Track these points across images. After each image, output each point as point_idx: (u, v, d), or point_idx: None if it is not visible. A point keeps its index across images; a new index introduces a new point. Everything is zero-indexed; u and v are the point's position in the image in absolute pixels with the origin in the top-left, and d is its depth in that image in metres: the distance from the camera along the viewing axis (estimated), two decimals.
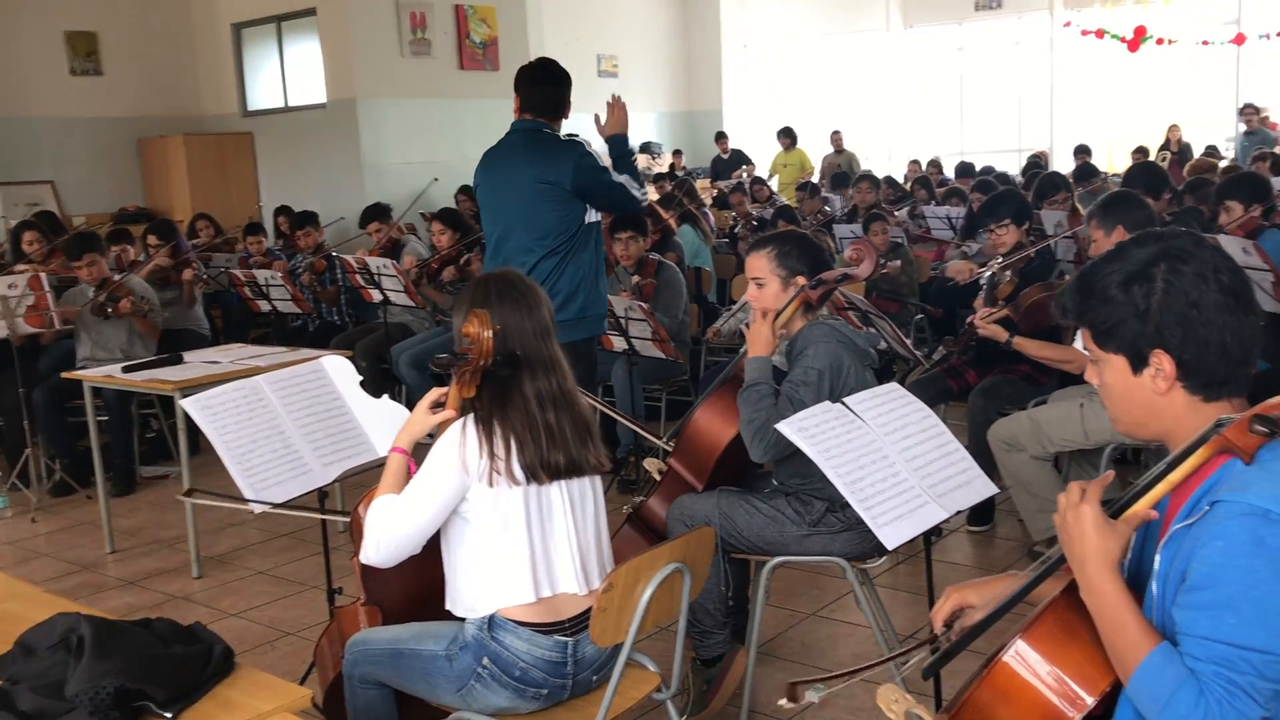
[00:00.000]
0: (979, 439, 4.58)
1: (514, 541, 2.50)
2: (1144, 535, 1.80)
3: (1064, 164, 13.76)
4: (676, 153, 17.13)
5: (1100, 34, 15.85)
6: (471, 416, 2.51)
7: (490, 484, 2.47)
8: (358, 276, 6.96)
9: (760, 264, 3.40)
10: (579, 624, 2.55)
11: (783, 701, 2.03)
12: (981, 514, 4.90)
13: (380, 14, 11.35)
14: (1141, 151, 13.26)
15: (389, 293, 6.82)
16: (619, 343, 5.59)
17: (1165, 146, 13.72)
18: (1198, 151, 13.10)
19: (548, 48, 13.25)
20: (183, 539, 5.13)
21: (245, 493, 3.22)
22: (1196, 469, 1.67)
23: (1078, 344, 4.22)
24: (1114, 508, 1.72)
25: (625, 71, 17.25)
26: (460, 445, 2.48)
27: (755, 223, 9.64)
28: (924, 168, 13.80)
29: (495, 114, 11.76)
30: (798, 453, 2.94)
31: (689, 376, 6.37)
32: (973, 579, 2.10)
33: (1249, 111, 13.77)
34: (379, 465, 2.69)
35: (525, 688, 2.51)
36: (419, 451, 2.61)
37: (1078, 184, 9.36)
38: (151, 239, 7.47)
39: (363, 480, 3.19)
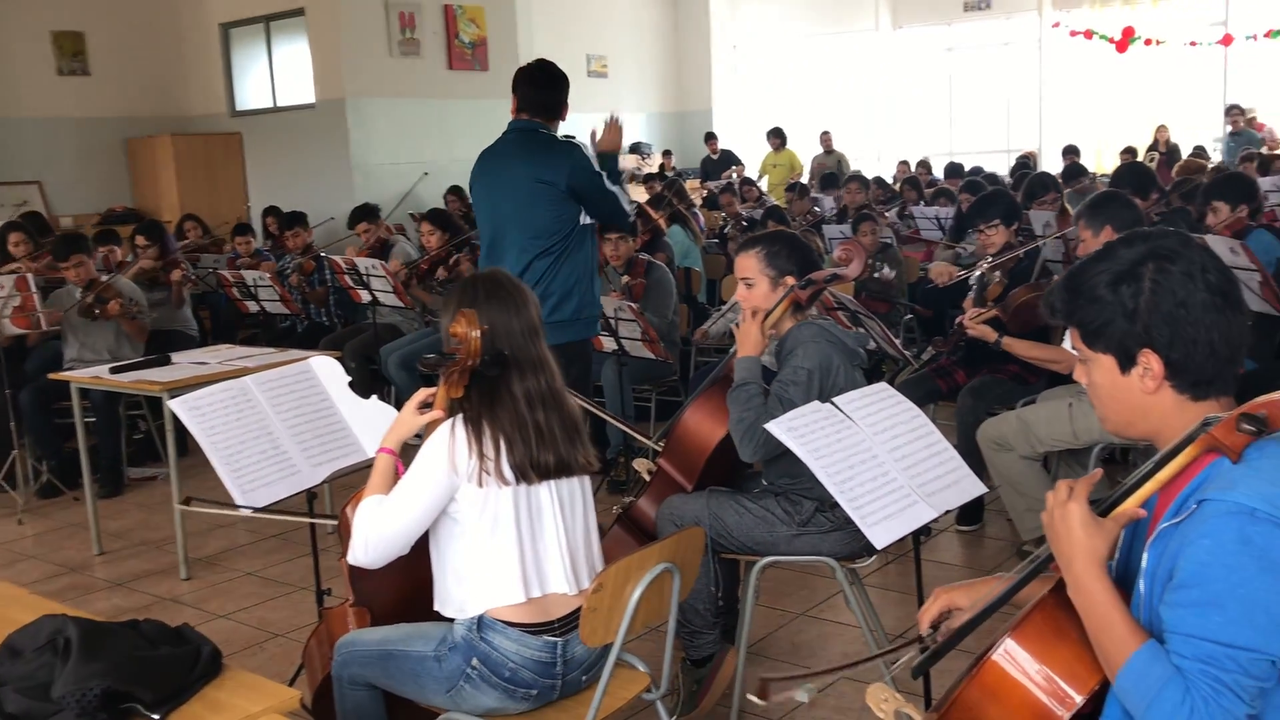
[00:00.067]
0: (968, 439, 4.58)
1: (503, 542, 2.50)
2: (1132, 534, 1.80)
3: (1053, 164, 13.79)
4: (666, 153, 17.15)
5: (1089, 35, 15.89)
6: (461, 417, 2.51)
7: (479, 484, 2.47)
8: (346, 277, 6.94)
9: (749, 264, 3.40)
10: (568, 624, 2.54)
11: (751, 696, 2.03)
12: (970, 514, 4.91)
13: (369, 14, 11.33)
14: (1130, 152, 13.31)
15: (378, 293, 6.81)
16: (609, 343, 5.59)
17: (1153, 147, 13.76)
18: (1185, 152, 13.15)
19: (537, 48, 13.22)
20: (171, 540, 5.11)
21: (234, 493, 3.21)
22: (1184, 468, 1.67)
23: (1066, 344, 4.24)
24: (1102, 506, 1.72)
25: (615, 72, 17.25)
26: (449, 445, 2.47)
27: (745, 223, 9.66)
28: (913, 168, 13.83)
29: (485, 114, 11.76)
30: (787, 452, 2.94)
31: (679, 377, 6.37)
32: (962, 579, 2.10)
33: (1234, 113, 13.82)
34: (368, 466, 2.69)
35: (514, 688, 2.51)
36: (407, 452, 2.60)
37: (1066, 184, 9.38)
38: (139, 240, 7.44)
39: (351, 481, 3.19)
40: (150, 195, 12.34)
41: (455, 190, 11.02)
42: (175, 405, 3.38)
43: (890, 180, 12.78)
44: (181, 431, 4.15)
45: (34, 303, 5.99)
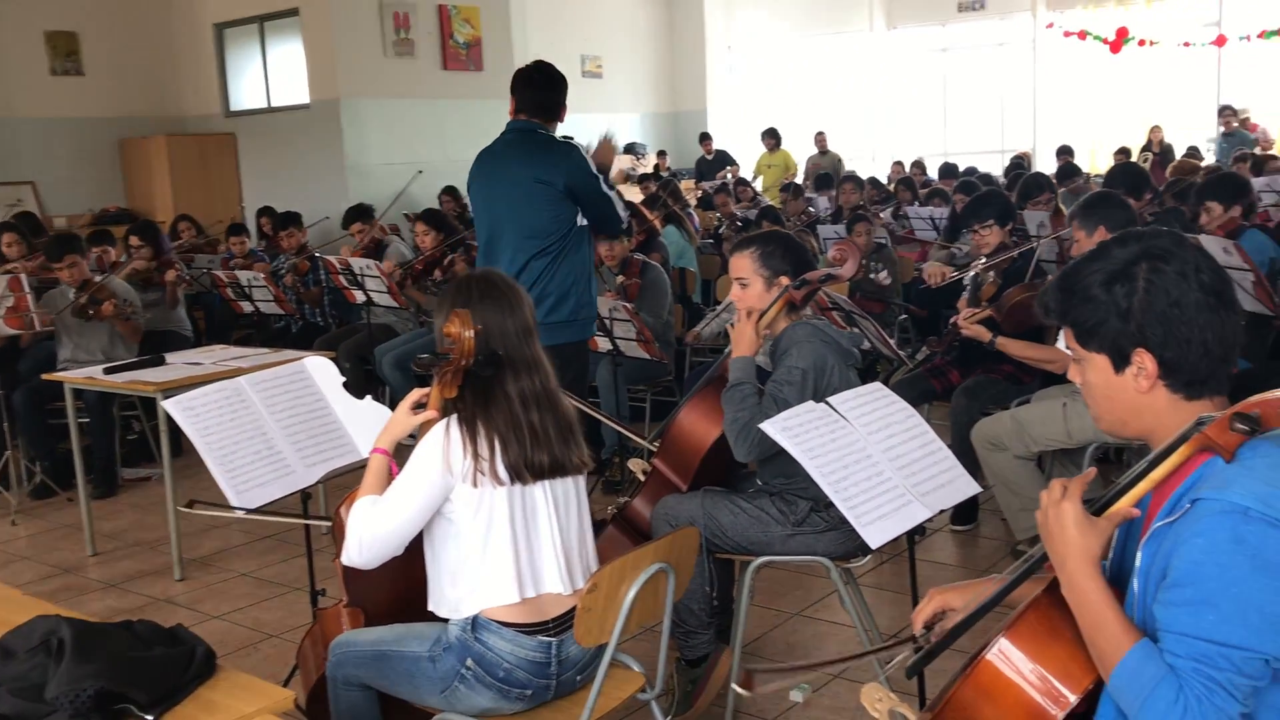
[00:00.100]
0: (962, 438, 4.59)
1: (498, 542, 2.50)
2: (1126, 533, 1.81)
3: (1047, 165, 13.81)
4: (661, 154, 17.14)
5: (1083, 35, 15.91)
6: (455, 417, 2.51)
7: (474, 484, 2.47)
8: (341, 277, 6.94)
9: (744, 264, 3.41)
10: (563, 624, 2.54)
11: (736, 687, 2.03)
12: (965, 513, 4.91)
13: (363, 14, 11.32)
14: (1123, 152, 13.33)
15: (372, 294, 6.80)
16: (603, 343, 5.59)
17: (1147, 147, 13.78)
18: (1179, 152, 13.17)
19: (532, 48, 13.23)
20: (165, 541, 5.10)
21: (228, 494, 3.21)
22: (1178, 467, 1.67)
23: (1060, 344, 4.24)
24: (1096, 505, 1.72)
25: (609, 72, 17.25)
26: (444, 446, 2.47)
27: (739, 223, 9.66)
28: (908, 169, 13.84)
29: (479, 114, 11.76)
30: (782, 452, 2.94)
31: (673, 377, 6.37)
32: (956, 579, 2.11)
33: (1227, 114, 13.86)
34: (362, 466, 2.68)
35: (509, 688, 2.50)
36: (401, 453, 2.60)
37: (1060, 184, 9.39)
38: (133, 240, 7.43)
39: (346, 482, 3.18)
40: (144, 195, 12.31)
41: (450, 190, 11.00)
42: (169, 406, 3.37)
43: (885, 181, 12.79)
44: (176, 432, 4.15)
45: (27, 303, 5.97)
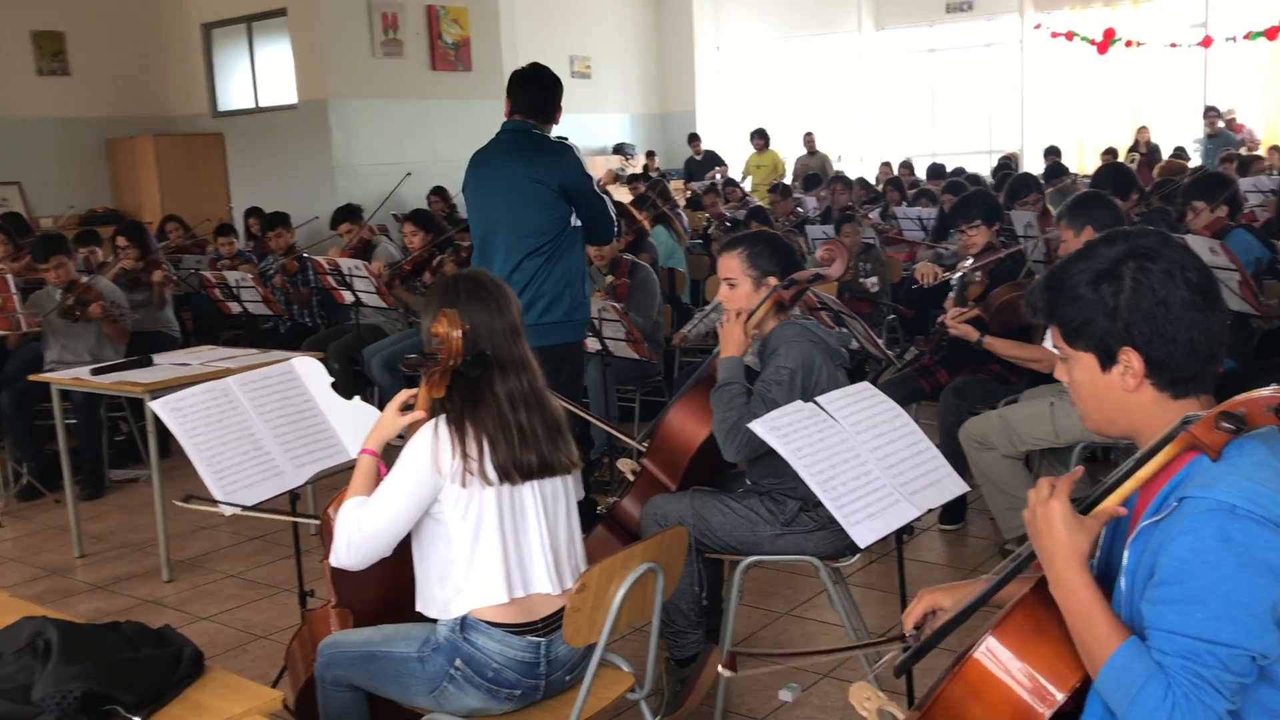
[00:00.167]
0: (950, 438, 4.60)
1: (487, 542, 2.50)
2: (1113, 531, 1.81)
3: (1035, 165, 13.85)
4: (650, 154, 17.15)
5: (1070, 36, 15.96)
6: (444, 417, 2.51)
7: (463, 485, 2.47)
8: (329, 278, 6.92)
9: (732, 265, 3.41)
10: (552, 624, 2.54)
11: (720, 669, 2.04)
12: (953, 512, 4.93)
13: (352, 14, 11.30)
14: (1110, 153, 13.38)
15: (361, 294, 6.79)
16: (593, 343, 5.59)
17: (1134, 148, 13.84)
18: (1166, 153, 13.22)
19: (520, 49, 13.23)
20: (153, 543, 5.08)
21: (216, 495, 3.20)
22: (1164, 465, 1.68)
23: (1048, 343, 4.26)
24: (1083, 504, 1.73)
25: (598, 73, 17.25)
26: (432, 446, 2.47)
27: (728, 224, 9.67)
28: (896, 169, 13.87)
29: (468, 115, 11.76)
30: (771, 452, 2.95)
31: (663, 377, 6.38)
32: (945, 578, 2.11)
33: (1211, 115, 13.92)
34: (351, 467, 2.68)
35: (498, 689, 2.50)
36: (389, 453, 2.60)
37: (1047, 183, 9.42)
38: (120, 240, 7.40)
39: (334, 482, 3.18)
40: (131, 196, 12.27)
41: (438, 190, 10.99)
42: (157, 406, 3.36)
43: (873, 181, 12.82)
44: (163, 433, 4.13)
45: (14, 304, 5.95)
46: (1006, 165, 12.55)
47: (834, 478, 2.86)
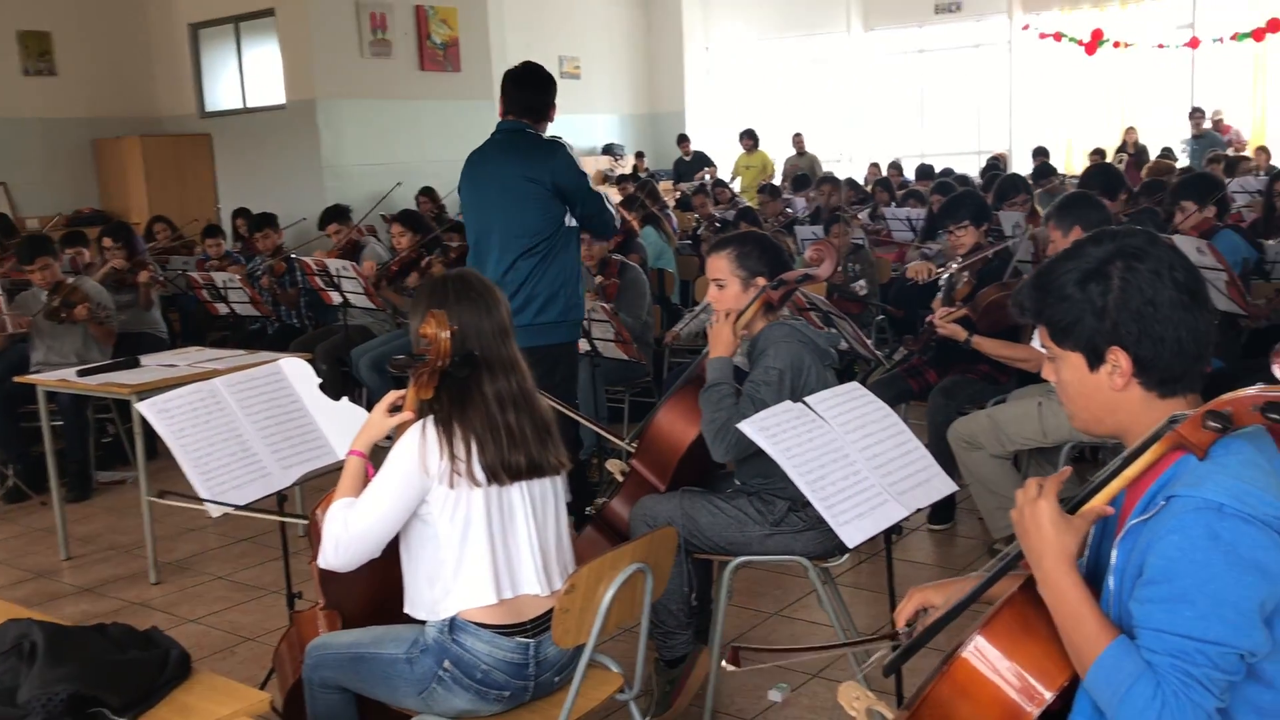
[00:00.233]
0: (939, 438, 4.61)
1: (475, 543, 2.49)
2: (1101, 530, 1.81)
3: (1023, 166, 13.89)
4: (639, 155, 17.16)
5: (1058, 37, 16.01)
6: (431, 418, 2.50)
7: (451, 485, 2.46)
8: (317, 279, 6.90)
9: (720, 265, 3.41)
10: (541, 625, 2.54)
11: (724, 664, 2.04)
12: (942, 512, 4.93)
13: (340, 15, 11.28)
14: (1098, 153, 13.41)
15: (349, 295, 6.77)
16: (582, 343, 5.59)
17: (1122, 148, 13.88)
18: (1153, 153, 13.26)
19: (509, 49, 13.22)
20: (140, 545, 5.06)
21: (203, 496, 3.19)
22: (1152, 465, 1.68)
23: (1035, 343, 4.27)
24: (1071, 503, 1.73)
25: (587, 73, 17.24)
26: (420, 447, 2.46)
27: (717, 224, 9.67)
28: (884, 170, 13.89)
29: (456, 115, 11.74)
30: (759, 452, 2.95)
31: (652, 377, 6.37)
32: (934, 578, 2.11)
33: (1197, 116, 13.97)
34: (339, 468, 2.67)
35: (487, 690, 2.50)
36: (377, 455, 2.59)
37: (1036, 184, 9.44)
38: (107, 241, 7.37)
39: (322, 484, 3.17)
40: (118, 197, 12.23)
41: (427, 191, 10.97)
42: (143, 408, 3.35)
43: (862, 182, 12.83)
44: (150, 434, 4.11)
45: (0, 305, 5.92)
46: (995, 166, 12.58)
47: (823, 478, 2.86)
